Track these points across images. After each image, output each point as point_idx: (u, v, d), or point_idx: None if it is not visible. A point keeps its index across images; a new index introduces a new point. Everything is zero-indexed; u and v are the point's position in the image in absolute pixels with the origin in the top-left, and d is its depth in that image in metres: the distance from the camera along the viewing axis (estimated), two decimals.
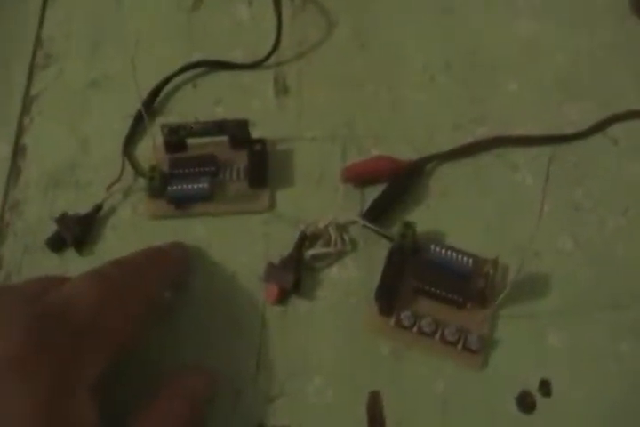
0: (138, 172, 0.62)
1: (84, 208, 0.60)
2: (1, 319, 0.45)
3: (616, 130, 0.62)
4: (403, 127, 0.64)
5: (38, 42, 0.71)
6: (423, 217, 0.59)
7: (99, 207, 0.60)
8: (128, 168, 0.62)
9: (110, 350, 0.47)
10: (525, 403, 0.52)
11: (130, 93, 0.61)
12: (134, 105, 0.63)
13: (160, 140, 0.61)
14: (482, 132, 0.63)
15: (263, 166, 0.60)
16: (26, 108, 0.67)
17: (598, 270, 0.57)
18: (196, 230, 0.60)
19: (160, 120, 0.64)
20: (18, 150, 0.64)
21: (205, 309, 0.57)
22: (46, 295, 0.47)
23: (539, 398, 0.52)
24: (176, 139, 0.61)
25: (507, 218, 0.59)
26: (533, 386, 0.53)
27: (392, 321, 0.54)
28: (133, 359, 0.53)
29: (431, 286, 0.54)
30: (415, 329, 0.54)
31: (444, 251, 0.56)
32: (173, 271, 0.56)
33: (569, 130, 0.62)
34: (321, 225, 0.58)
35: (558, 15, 0.69)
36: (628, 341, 0.54)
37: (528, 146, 0.62)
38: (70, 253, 0.59)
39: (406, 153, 0.62)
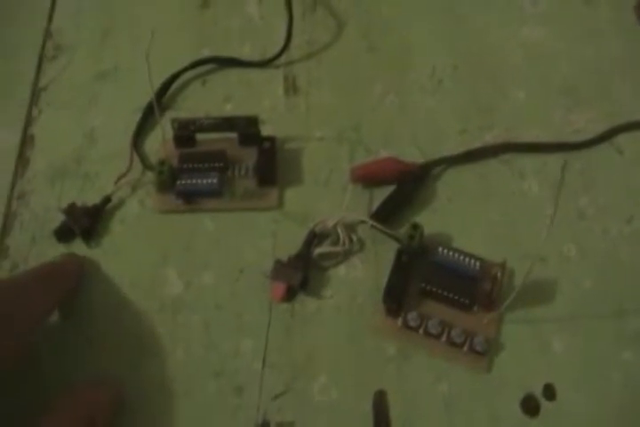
0: (146, 165, 0.62)
1: (90, 200, 0.60)
2: None
3: (621, 140, 0.63)
4: (410, 131, 0.64)
5: (47, 33, 0.71)
6: (430, 220, 0.58)
7: (107, 199, 0.60)
8: (136, 161, 0.62)
9: None
10: (529, 406, 0.52)
11: (139, 86, 0.62)
12: (142, 98, 0.64)
13: (169, 134, 0.61)
14: (488, 138, 0.63)
15: (272, 164, 0.61)
16: (34, 99, 0.66)
17: (602, 278, 0.57)
18: (204, 225, 0.60)
19: (169, 115, 0.63)
20: (26, 141, 0.64)
21: (211, 305, 0.56)
22: None
23: (543, 403, 0.52)
24: (186, 134, 0.61)
25: (512, 224, 0.59)
26: (538, 390, 0.53)
27: (399, 322, 0.54)
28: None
29: (438, 288, 0.55)
30: (422, 330, 0.54)
31: (451, 253, 0.56)
32: (62, 287, 0.55)
33: (574, 138, 0.63)
34: (329, 224, 0.58)
35: (565, 25, 0.70)
36: (631, 349, 0.54)
37: (535, 153, 0.62)
38: (78, 245, 0.59)
39: (413, 156, 0.62)
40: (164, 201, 0.60)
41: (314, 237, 0.57)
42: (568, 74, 0.67)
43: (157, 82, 0.64)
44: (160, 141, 0.62)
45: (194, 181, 0.59)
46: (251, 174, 0.61)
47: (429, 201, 0.60)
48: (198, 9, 0.71)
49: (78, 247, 0.59)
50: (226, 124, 0.61)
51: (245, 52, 0.69)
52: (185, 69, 0.66)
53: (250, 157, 0.61)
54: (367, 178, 0.61)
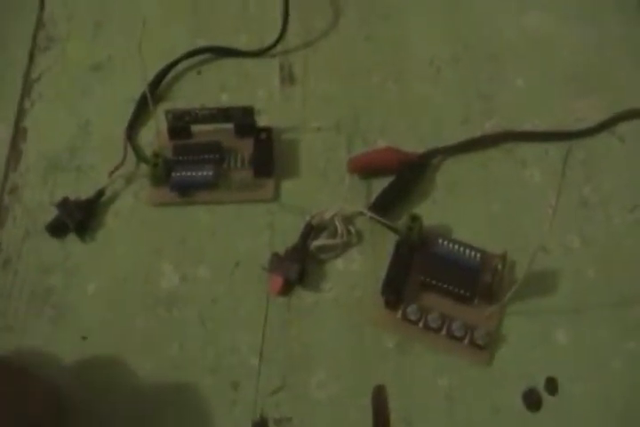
0: (140, 158, 0.61)
1: (84, 193, 0.59)
2: None
3: (623, 128, 0.62)
4: (409, 120, 0.63)
5: (40, 23, 0.70)
6: (429, 211, 0.58)
7: (101, 193, 0.59)
8: (130, 153, 0.61)
9: None
10: (531, 400, 0.51)
11: (132, 77, 0.62)
12: (136, 89, 0.63)
13: (164, 126, 0.60)
14: (489, 127, 0.62)
15: (269, 155, 0.60)
16: (26, 91, 0.66)
17: (605, 268, 0.56)
18: (199, 218, 0.59)
19: (163, 106, 0.62)
20: (18, 133, 0.63)
21: (207, 299, 0.56)
22: None
23: (545, 396, 0.51)
24: (181, 125, 0.60)
25: (514, 214, 0.58)
26: (540, 384, 0.52)
27: (398, 315, 0.54)
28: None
29: (438, 281, 0.54)
30: (421, 323, 0.53)
31: (451, 245, 0.55)
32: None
33: (576, 126, 0.62)
34: (327, 216, 0.57)
35: (567, 10, 0.68)
36: (635, 339, 0.53)
37: (537, 141, 0.61)
38: (71, 239, 0.58)
39: (412, 146, 0.61)
40: (158, 194, 0.59)
41: (311, 230, 0.56)
42: (569, 61, 0.66)
43: (152, 72, 0.64)
44: (154, 133, 0.60)
45: (189, 174, 0.59)
46: (247, 166, 0.60)
47: (429, 192, 0.60)
48: None
49: (72, 242, 0.58)
50: (221, 114, 0.60)
51: (241, 42, 0.68)
52: (180, 60, 0.66)
53: (246, 148, 0.60)
54: (365, 168, 0.60)
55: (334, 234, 0.57)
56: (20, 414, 0.45)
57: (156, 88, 0.64)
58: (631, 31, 0.66)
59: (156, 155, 0.58)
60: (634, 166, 0.60)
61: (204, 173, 0.59)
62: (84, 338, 0.54)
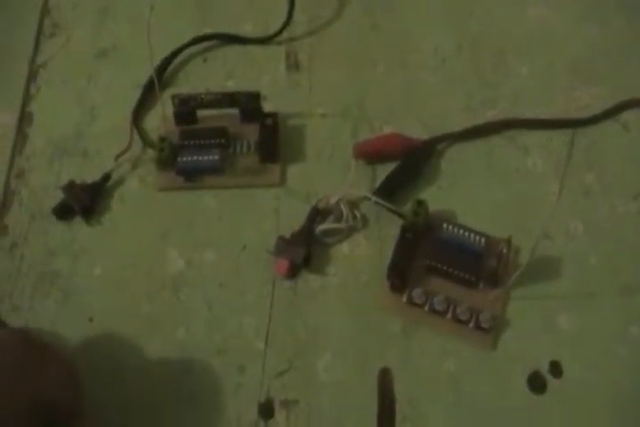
0: (146, 142, 0.61)
1: (90, 177, 0.59)
2: None
3: (628, 116, 0.62)
4: (414, 107, 0.63)
5: (45, 10, 0.70)
6: (434, 197, 0.58)
7: (107, 176, 0.59)
8: (136, 138, 0.61)
9: None
10: (536, 383, 0.51)
11: (138, 63, 0.61)
12: (142, 75, 0.63)
13: (170, 111, 0.60)
14: (492, 115, 0.62)
15: (274, 140, 0.60)
16: (32, 77, 0.66)
17: (608, 255, 0.56)
18: (205, 203, 0.59)
19: (169, 92, 0.62)
20: (24, 118, 0.64)
21: (213, 283, 0.56)
22: None
23: (549, 380, 0.51)
24: (187, 110, 0.60)
25: (517, 201, 0.58)
26: (544, 367, 0.52)
27: (403, 298, 0.54)
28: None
29: (443, 265, 0.54)
30: (427, 307, 0.53)
31: (456, 229, 0.55)
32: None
33: (578, 115, 0.62)
34: (332, 201, 0.57)
35: (570, 2, 0.68)
36: (637, 324, 0.53)
37: (540, 129, 0.61)
38: (77, 222, 0.58)
39: (416, 133, 0.61)
40: (164, 178, 0.59)
41: (317, 214, 0.57)
42: (572, 51, 0.66)
43: (158, 58, 0.64)
44: (160, 118, 0.61)
45: (195, 158, 0.59)
46: (253, 151, 0.60)
47: (434, 178, 0.60)
48: None
49: (78, 225, 0.58)
50: (227, 99, 0.60)
51: (247, 29, 0.68)
52: (186, 46, 0.66)
53: (252, 133, 0.61)
54: (371, 154, 0.60)
55: (340, 218, 0.57)
56: (37, 385, 0.46)
57: (162, 74, 0.64)
58: (633, 22, 0.66)
59: (163, 139, 0.58)
60: (637, 154, 0.60)
61: (210, 158, 0.59)
62: (91, 320, 0.54)
